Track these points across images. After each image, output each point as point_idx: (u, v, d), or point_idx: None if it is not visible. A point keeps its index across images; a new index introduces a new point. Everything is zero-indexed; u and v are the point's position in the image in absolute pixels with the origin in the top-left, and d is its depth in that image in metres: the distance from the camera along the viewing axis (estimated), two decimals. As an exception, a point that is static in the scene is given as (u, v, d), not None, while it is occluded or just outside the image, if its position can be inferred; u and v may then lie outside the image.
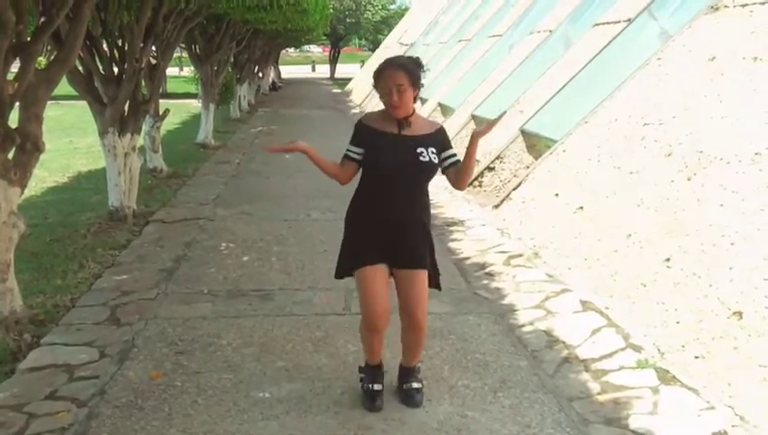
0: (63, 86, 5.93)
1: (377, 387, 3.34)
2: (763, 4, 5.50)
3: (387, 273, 3.19)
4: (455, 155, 3.18)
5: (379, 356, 3.37)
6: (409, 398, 3.35)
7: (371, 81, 3.18)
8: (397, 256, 3.17)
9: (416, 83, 3.05)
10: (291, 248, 5.98)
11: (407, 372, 3.41)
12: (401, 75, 3.01)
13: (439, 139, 3.16)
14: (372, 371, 3.37)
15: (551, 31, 10.42)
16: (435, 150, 3.11)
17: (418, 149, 3.07)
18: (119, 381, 3.56)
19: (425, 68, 3.13)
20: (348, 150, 3.21)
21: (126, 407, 3.31)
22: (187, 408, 3.31)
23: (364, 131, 3.18)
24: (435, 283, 3.32)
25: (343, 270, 3.29)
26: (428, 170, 3.11)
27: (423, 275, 3.20)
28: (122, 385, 3.52)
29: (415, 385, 3.38)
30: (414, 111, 3.15)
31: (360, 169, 3.21)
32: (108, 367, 3.73)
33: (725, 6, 5.98)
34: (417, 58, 3.18)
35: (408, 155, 3.06)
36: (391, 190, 3.12)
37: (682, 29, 6.38)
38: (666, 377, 3.55)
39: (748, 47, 5.21)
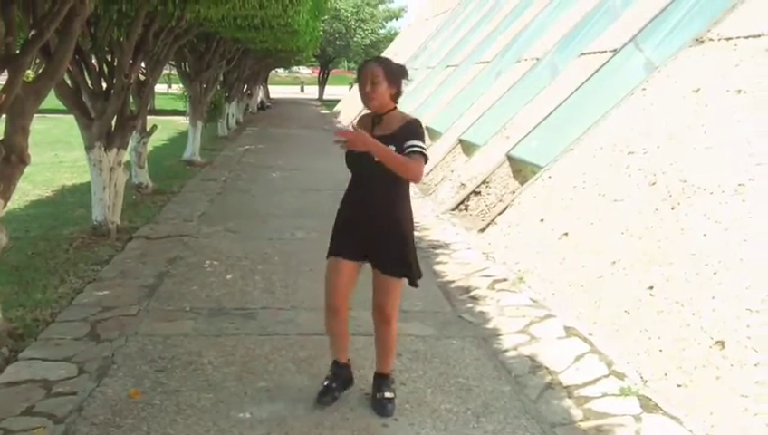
0: (51, 100, 5.90)
1: (331, 384, 3.51)
2: (747, 38, 5.61)
3: (353, 268, 3.38)
4: (413, 146, 3.14)
5: (342, 353, 3.54)
6: (381, 407, 3.44)
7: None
8: (371, 255, 3.34)
9: (392, 80, 3.23)
10: (275, 267, 5.95)
11: (380, 381, 3.51)
12: (378, 69, 3.22)
13: (403, 131, 3.17)
14: (335, 367, 3.55)
15: (538, 59, 10.55)
16: (397, 146, 3.12)
17: None
18: (97, 398, 3.51)
19: (409, 77, 3.34)
20: None
21: (103, 425, 3.25)
22: (165, 427, 3.25)
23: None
24: (412, 280, 3.39)
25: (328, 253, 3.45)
26: (384, 168, 3.09)
27: (394, 279, 3.33)
28: (100, 402, 3.47)
29: (387, 395, 3.47)
30: (392, 108, 3.29)
31: None
32: (86, 383, 3.67)
33: (710, 39, 6.08)
34: (403, 66, 3.36)
35: (366, 155, 3.09)
36: (361, 188, 3.32)
37: (667, 60, 6.49)
38: (648, 405, 3.56)
39: (732, 80, 5.30)
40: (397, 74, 3.26)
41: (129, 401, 3.49)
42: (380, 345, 3.51)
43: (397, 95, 3.29)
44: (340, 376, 3.54)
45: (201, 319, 4.69)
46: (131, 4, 6.42)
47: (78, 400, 3.49)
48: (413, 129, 3.20)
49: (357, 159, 3.21)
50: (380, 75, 3.20)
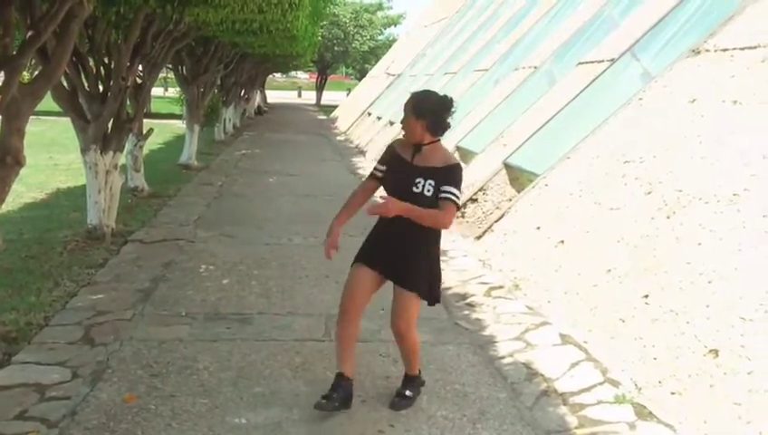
0: (47, 102, 5.90)
1: (332, 394, 3.39)
2: (743, 49, 5.64)
3: (373, 279, 3.48)
4: (447, 192, 3.30)
5: (346, 365, 3.45)
6: (392, 402, 3.60)
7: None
8: (391, 270, 3.44)
9: (419, 114, 3.33)
10: (271, 272, 5.94)
11: (404, 381, 3.68)
12: (408, 103, 3.38)
13: (443, 173, 3.33)
14: (338, 379, 3.45)
15: (535, 67, 10.59)
16: (434, 183, 3.30)
17: (417, 180, 3.31)
18: (91, 403, 3.49)
19: (453, 110, 3.38)
20: (375, 168, 3.57)
21: (97, 429, 3.24)
22: (160, 432, 3.24)
23: (390, 152, 3.53)
24: (432, 297, 3.53)
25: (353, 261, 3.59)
26: (420, 201, 3.28)
27: (408, 294, 3.43)
28: (94, 407, 3.45)
29: (406, 392, 3.63)
30: (429, 142, 3.38)
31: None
32: (80, 388, 3.66)
33: (706, 50, 6.12)
34: (449, 100, 3.39)
35: (406, 183, 3.32)
36: None
37: (664, 71, 6.52)
38: (642, 413, 3.56)
39: (728, 90, 5.32)
40: (424, 108, 3.34)
41: (124, 405, 3.48)
42: (403, 354, 3.66)
43: (432, 129, 3.35)
44: (342, 388, 3.41)
45: (197, 324, 4.68)
46: (130, 7, 6.41)
47: (72, 404, 3.47)
48: (453, 174, 3.34)
49: (398, 185, 3.35)
50: (408, 109, 3.36)
